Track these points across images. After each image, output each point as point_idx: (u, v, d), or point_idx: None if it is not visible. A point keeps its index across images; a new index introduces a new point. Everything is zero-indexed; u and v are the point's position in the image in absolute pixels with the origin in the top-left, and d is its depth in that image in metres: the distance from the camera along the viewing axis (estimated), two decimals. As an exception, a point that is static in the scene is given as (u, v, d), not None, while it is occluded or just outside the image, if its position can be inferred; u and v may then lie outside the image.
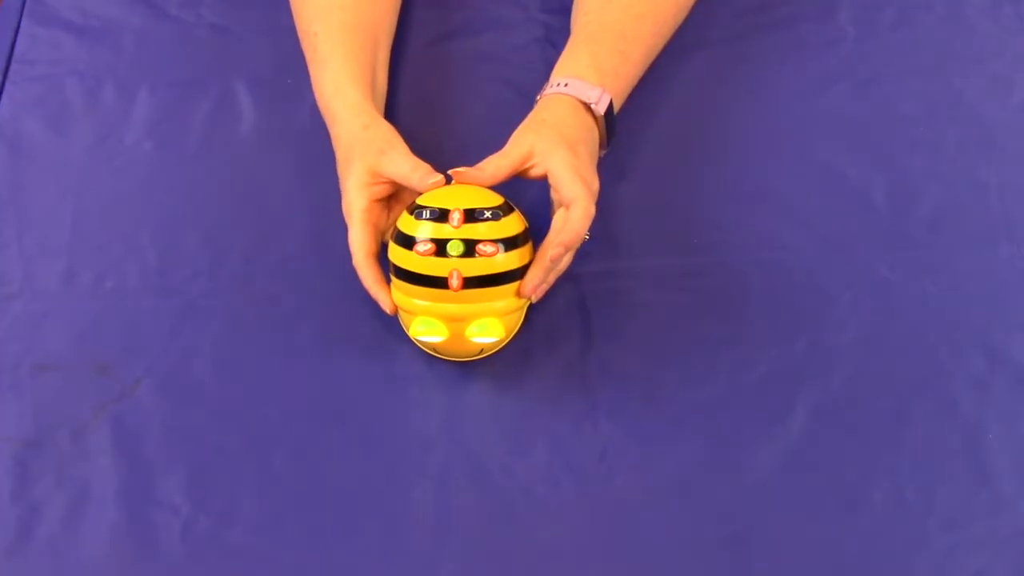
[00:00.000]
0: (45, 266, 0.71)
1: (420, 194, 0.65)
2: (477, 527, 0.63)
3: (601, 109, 0.69)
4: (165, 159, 0.76)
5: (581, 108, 0.69)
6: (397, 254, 0.64)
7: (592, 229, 0.74)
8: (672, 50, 0.79)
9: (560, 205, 0.66)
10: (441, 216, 0.62)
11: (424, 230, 0.62)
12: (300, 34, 0.75)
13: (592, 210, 0.64)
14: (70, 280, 0.71)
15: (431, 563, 0.62)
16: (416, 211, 0.63)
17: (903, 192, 0.76)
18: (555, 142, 0.66)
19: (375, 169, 0.66)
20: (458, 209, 0.62)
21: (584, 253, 0.72)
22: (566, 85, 0.69)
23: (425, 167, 0.65)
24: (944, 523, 0.63)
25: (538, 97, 0.71)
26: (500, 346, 0.68)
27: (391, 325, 0.69)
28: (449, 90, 0.80)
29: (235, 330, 0.69)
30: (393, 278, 0.65)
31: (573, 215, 0.64)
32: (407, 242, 0.63)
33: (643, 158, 0.77)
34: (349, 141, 0.68)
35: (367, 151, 0.67)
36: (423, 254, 0.62)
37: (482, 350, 0.67)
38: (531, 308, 0.70)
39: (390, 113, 0.77)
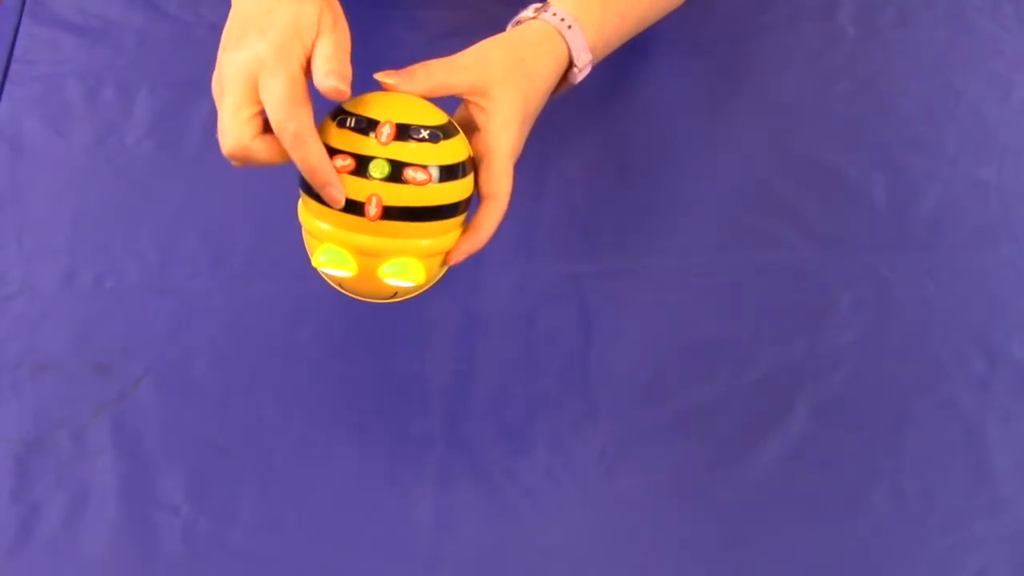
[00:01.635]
0: (45, 266, 0.71)
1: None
2: (477, 527, 0.63)
3: (576, 80, 0.64)
4: (165, 159, 0.76)
5: (564, 64, 0.63)
6: None
7: (593, 229, 0.74)
8: (672, 50, 0.79)
9: (472, 129, 0.58)
10: (367, 127, 0.52)
11: (344, 141, 0.52)
12: None
13: (505, 208, 0.57)
14: (70, 280, 0.71)
15: (431, 563, 0.62)
16: (339, 118, 0.54)
17: (903, 192, 0.76)
18: (516, 109, 0.58)
19: (324, 29, 0.53)
20: (389, 122, 0.52)
21: (584, 253, 0.72)
22: (569, 27, 0.62)
23: (341, 68, 0.53)
24: (944, 523, 0.63)
25: (533, 12, 0.63)
26: (418, 292, 0.59)
27: (391, 325, 0.69)
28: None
29: (235, 330, 0.69)
30: (301, 191, 0.56)
31: (492, 215, 0.57)
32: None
33: (643, 158, 0.77)
34: None
35: (328, 15, 0.54)
36: (339, 170, 0.52)
37: (396, 293, 0.58)
38: (531, 308, 0.70)
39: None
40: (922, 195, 0.76)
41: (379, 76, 0.55)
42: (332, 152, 0.52)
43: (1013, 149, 0.78)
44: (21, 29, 0.82)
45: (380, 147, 0.52)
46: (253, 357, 0.68)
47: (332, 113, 0.55)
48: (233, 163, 0.55)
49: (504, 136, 0.57)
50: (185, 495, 0.63)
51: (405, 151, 0.52)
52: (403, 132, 0.52)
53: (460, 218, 0.57)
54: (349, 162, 0.52)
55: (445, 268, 0.58)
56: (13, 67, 0.80)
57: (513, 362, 0.69)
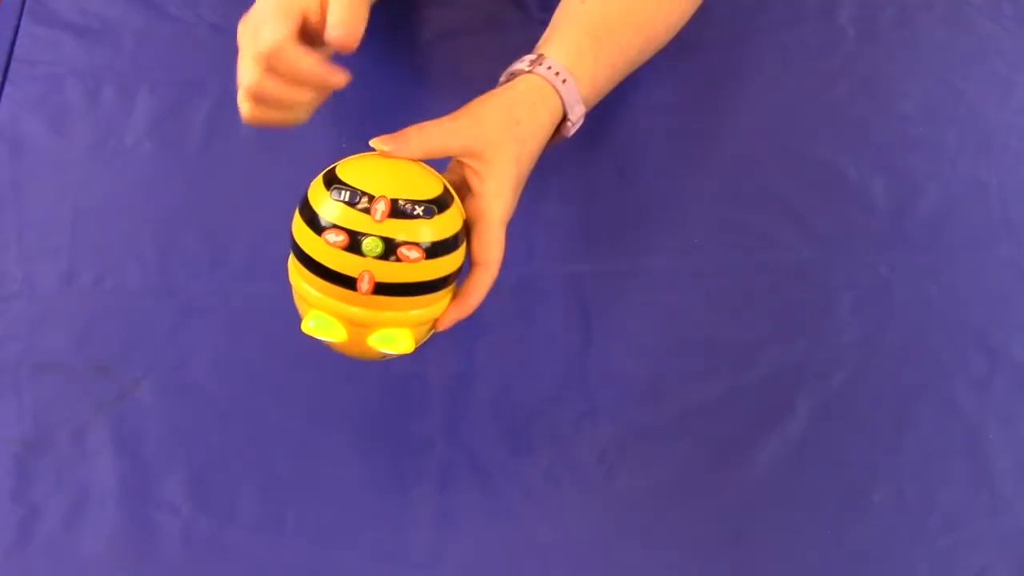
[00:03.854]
0: (45, 266, 0.71)
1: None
2: (477, 527, 0.63)
3: (569, 133, 0.64)
4: (165, 159, 0.76)
5: (558, 119, 0.63)
6: (301, 233, 0.54)
7: (593, 229, 0.74)
8: (672, 50, 0.79)
9: (465, 190, 0.58)
10: (361, 202, 0.52)
11: (338, 215, 0.52)
12: None
13: (496, 275, 0.57)
14: (70, 280, 0.71)
15: (431, 563, 0.62)
16: (334, 185, 0.53)
17: (903, 192, 0.76)
18: (510, 174, 0.58)
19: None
20: (384, 198, 0.52)
21: (584, 253, 0.72)
22: (564, 81, 0.62)
23: (350, 18, 0.52)
24: (944, 523, 0.63)
25: (527, 67, 0.62)
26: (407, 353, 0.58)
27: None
28: (448, 90, 0.80)
29: (235, 330, 0.69)
30: (292, 254, 0.56)
31: (482, 282, 0.57)
32: (315, 223, 0.53)
33: (643, 158, 0.77)
34: None
35: None
36: (333, 245, 0.52)
37: (385, 356, 0.58)
38: (531, 308, 0.70)
39: (388, 112, 0.77)
40: (922, 195, 0.76)
41: (374, 143, 0.55)
42: (325, 226, 0.52)
43: (1013, 149, 0.78)
44: (21, 29, 0.82)
45: (374, 224, 0.52)
46: (253, 357, 0.68)
47: (325, 177, 0.54)
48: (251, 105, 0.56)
49: (497, 202, 0.57)
50: (185, 495, 0.63)
51: (399, 228, 0.52)
52: (397, 208, 0.52)
53: (451, 287, 0.57)
54: (343, 238, 0.52)
55: (432, 331, 0.58)
56: (13, 67, 0.80)
57: (513, 362, 0.69)
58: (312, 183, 0.55)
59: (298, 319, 0.70)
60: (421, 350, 0.68)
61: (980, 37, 0.84)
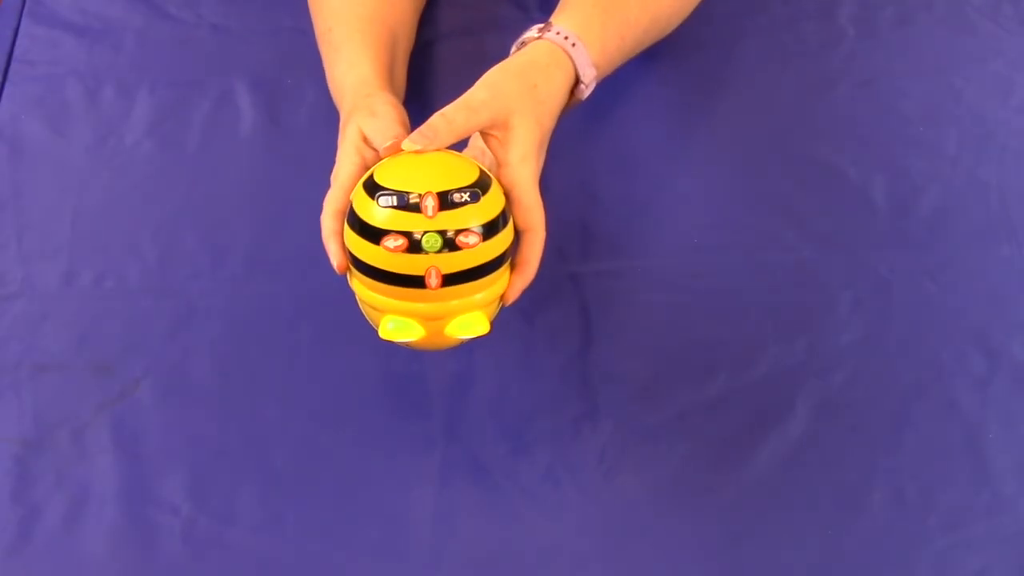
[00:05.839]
0: (45, 266, 0.71)
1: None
2: (477, 527, 0.63)
3: (583, 96, 0.65)
4: (165, 159, 0.76)
5: (572, 81, 0.64)
6: (358, 246, 0.55)
7: (593, 229, 0.74)
8: (672, 50, 0.79)
9: (490, 162, 0.60)
10: (409, 203, 0.53)
11: (391, 221, 0.53)
12: (317, 36, 0.73)
13: (545, 235, 0.59)
14: (70, 280, 0.71)
15: (431, 563, 0.62)
16: (377, 193, 0.54)
17: (903, 192, 0.76)
18: (534, 137, 0.59)
19: (365, 131, 0.61)
20: (430, 193, 0.53)
21: (584, 253, 0.72)
22: (573, 45, 0.63)
23: (384, 138, 0.58)
24: (944, 523, 0.63)
25: (537, 34, 0.64)
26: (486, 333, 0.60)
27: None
28: (449, 90, 0.80)
29: (235, 330, 0.69)
30: (352, 269, 0.57)
31: (535, 247, 0.59)
32: (370, 233, 0.54)
33: (643, 158, 0.77)
34: (350, 109, 0.63)
35: (362, 113, 0.61)
36: (393, 251, 0.53)
37: (463, 341, 0.59)
38: (531, 308, 0.70)
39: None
40: (922, 195, 0.76)
41: (405, 145, 0.56)
42: (381, 233, 0.53)
43: (1013, 149, 0.78)
44: (21, 29, 0.82)
45: (427, 221, 0.53)
46: (253, 357, 0.68)
47: (365, 185, 0.55)
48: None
49: (526, 168, 0.59)
50: (185, 495, 0.63)
51: (452, 219, 0.53)
52: (445, 200, 0.53)
53: (508, 261, 0.58)
54: (402, 242, 0.53)
55: (501, 306, 0.60)
56: (13, 67, 0.80)
57: (513, 362, 0.69)
58: (353, 194, 0.56)
59: (297, 319, 0.70)
60: (422, 352, 0.68)
61: (980, 37, 0.84)
